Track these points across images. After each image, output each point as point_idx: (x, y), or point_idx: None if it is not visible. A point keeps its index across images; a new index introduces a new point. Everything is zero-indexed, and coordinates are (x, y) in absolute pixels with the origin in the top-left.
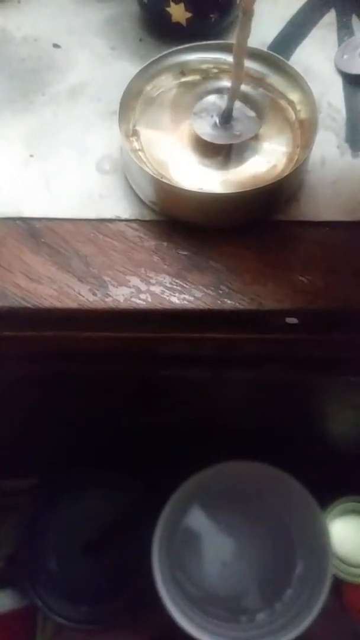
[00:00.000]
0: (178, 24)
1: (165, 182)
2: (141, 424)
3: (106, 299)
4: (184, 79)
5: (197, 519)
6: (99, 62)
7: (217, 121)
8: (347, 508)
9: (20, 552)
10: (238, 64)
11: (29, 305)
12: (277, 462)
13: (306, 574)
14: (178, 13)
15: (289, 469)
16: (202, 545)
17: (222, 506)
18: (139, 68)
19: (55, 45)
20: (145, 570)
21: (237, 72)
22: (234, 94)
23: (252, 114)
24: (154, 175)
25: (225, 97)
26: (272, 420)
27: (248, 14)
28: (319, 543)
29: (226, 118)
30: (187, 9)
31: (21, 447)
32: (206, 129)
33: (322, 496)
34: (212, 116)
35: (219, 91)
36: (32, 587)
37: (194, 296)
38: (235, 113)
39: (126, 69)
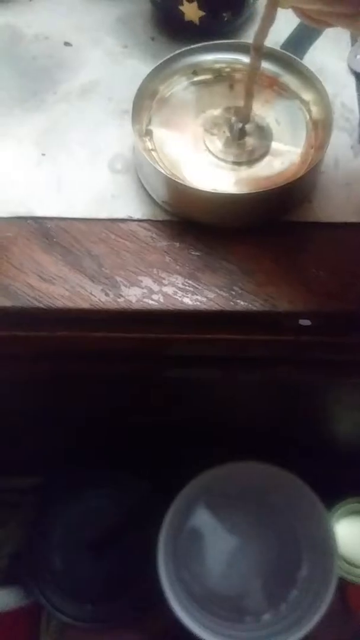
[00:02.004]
0: (191, 22)
1: (178, 182)
2: (148, 423)
3: (118, 300)
4: (196, 79)
5: (203, 519)
6: (110, 60)
7: (229, 137)
8: (352, 509)
9: (25, 551)
10: (249, 93)
11: (41, 305)
12: (282, 462)
13: (312, 575)
14: (191, 12)
15: (294, 469)
16: (207, 545)
17: (227, 506)
18: (151, 67)
19: (67, 44)
20: (150, 569)
21: (248, 101)
22: (245, 117)
23: (265, 122)
24: (167, 175)
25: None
26: (278, 420)
27: (259, 50)
28: (325, 544)
29: (240, 135)
30: (200, 8)
31: (27, 445)
32: (218, 145)
33: (327, 497)
34: (223, 132)
35: (230, 93)
36: (37, 585)
37: (207, 297)
38: (249, 123)
39: (138, 67)
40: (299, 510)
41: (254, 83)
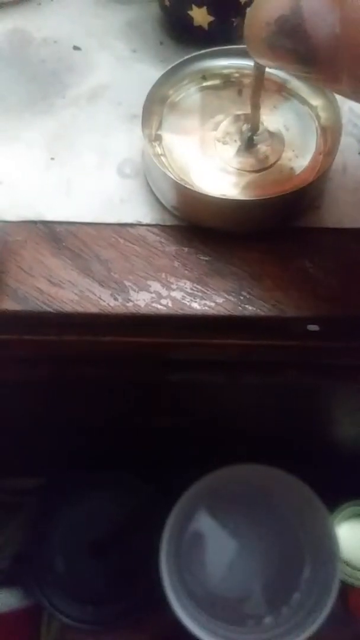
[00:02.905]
0: (200, 27)
1: (187, 187)
2: (151, 426)
3: (127, 304)
4: (205, 84)
5: (205, 522)
6: (119, 64)
7: (241, 146)
8: (353, 512)
9: (26, 552)
10: (255, 106)
11: (50, 309)
12: (285, 465)
13: (314, 578)
14: (200, 17)
15: (296, 472)
16: (209, 547)
17: (229, 509)
18: (160, 71)
19: (76, 47)
20: (152, 571)
21: (254, 112)
22: (254, 126)
23: (276, 129)
24: (176, 180)
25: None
26: (281, 423)
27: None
28: (327, 547)
29: (250, 143)
30: (209, 13)
31: (30, 446)
32: (231, 155)
33: (329, 500)
34: (235, 140)
35: (239, 99)
36: (38, 586)
37: (215, 302)
38: (260, 130)
39: (147, 72)
40: (302, 513)
41: (259, 97)
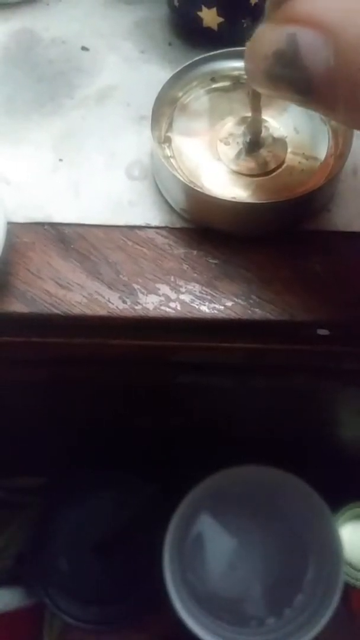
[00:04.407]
0: (209, 28)
1: (197, 190)
2: (156, 427)
3: (136, 307)
4: (214, 85)
5: (208, 522)
6: (127, 65)
7: (242, 148)
8: (356, 513)
9: (30, 551)
10: (255, 110)
11: (58, 312)
12: (288, 466)
13: (317, 579)
14: (209, 18)
15: (300, 473)
16: (213, 548)
17: (233, 510)
18: (169, 72)
19: (84, 48)
20: (155, 572)
21: (255, 116)
22: (256, 131)
23: (280, 134)
24: (186, 183)
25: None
26: (286, 426)
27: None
28: (331, 548)
29: (252, 146)
30: (219, 14)
31: (35, 446)
32: (232, 157)
33: (332, 501)
34: (238, 142)
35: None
36: (41, 586)
37: (224, 305)
38: (263, 134)
39: (155, 73)
40: (305, 514)
41: (258, 99)
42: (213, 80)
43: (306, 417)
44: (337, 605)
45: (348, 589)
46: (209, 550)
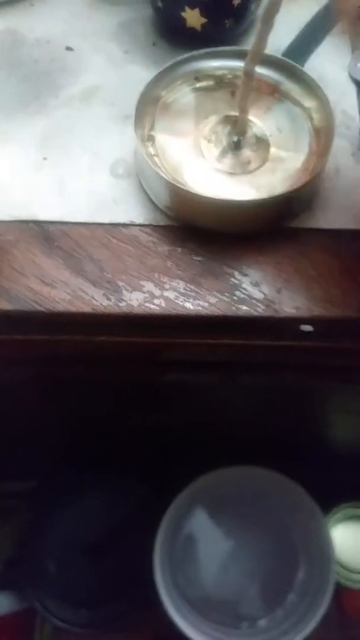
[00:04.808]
0: (193, 29)
1: (180, 188)
2: (145, 427)
3: (120, 304)
4: (198, 85)
5: (199, 524)
6: (112, 65)
7: (227, 146)
8: (348, 514)
9: (20, 555)
10: (243, 110)
11: (42, 309)
12: (279, 467)
13: (308, 579)
14: (193, 18)
15: (291, 474)
16: (203, 549)
17: (224, 511)
18: (153, 72)
19: (68, 48)
20: (147, 574)
21: (242, 116)
22: (241, 130)
23: (263, 133)
24: (169, 180)
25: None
26: (276, 425)
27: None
28: (322, 548)
29: (235, 146)
30: (202, 15)
31: (23, 448)
32: (216, 155)
33: (323, 502)
34: (221, 141)
35: (231, 100)
36: (32, 589)
37: (208, 302)
38: (247, 135)
39: (139, 73)
40: (296, 515)
41: (247, 101)
42: (197, 79)
43: (296, 416)
44: (328, 604)
45: (340, 589)
46: (200, 551)
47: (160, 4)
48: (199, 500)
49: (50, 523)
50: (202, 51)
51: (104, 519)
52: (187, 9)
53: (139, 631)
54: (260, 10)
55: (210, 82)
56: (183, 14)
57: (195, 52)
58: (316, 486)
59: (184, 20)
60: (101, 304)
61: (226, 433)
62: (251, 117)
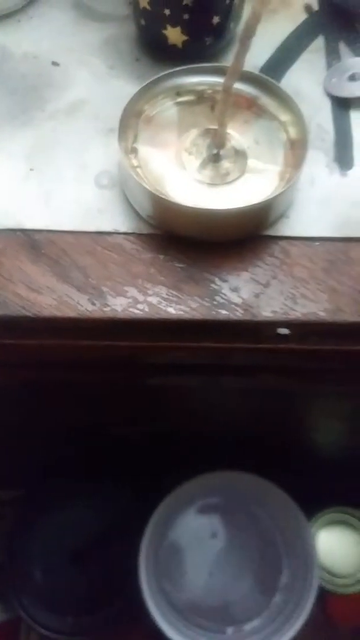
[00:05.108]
0: (174, 46)
1: (162, 197)
2: (129, 433)
3: (104, 309)
4: (179, 99)
5: (184, 529)
6: (97, 80)
7: (207, 158)
8: (332, 519)
9: (4, 563)
10: (221, 124)
11: (29, 314)
12: (263, 472)
13: (292, 582)
14: (174, 36)
15: (274, 479)
16: (189, 555)
17: (208, 516)
18: (136, 87)
19: (55, 63)
20: (132, 581)
21: (221, 130)
22: (220, 143)
23: (241, 146)
24: (152, 191)
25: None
26: (259, 430)
27: (229, 91)
28: (305, 551)
29: (214, 158)
30: (183, 32)
31: (8, 456)
32: (196, 167)
33: (307, 507)
34: (201, 153)
35: (211, 114)
36: (16, 598)
37: (190, 307)
38: (225, 147)
39: (123, 88)
40: (280, 519)
41: (226, 115)
42: (178, 94)
43: (279, 421)
44: (312, 606)
45: (324, 593)
46: (185, 557)
47: (143, 22)
48: (184, 506)
49: (35, 531)
50: (183, 67)
51: (89, 526)
52: (168, 27)
53: (125, 638)
54: (239, 30)
55: (191, 97)
56: (165, 32)
57: (176, 69)
58: (300, 491)
59: (165, 37)
60: (86, 309)
61: (210, 439)
62: (230, 130)
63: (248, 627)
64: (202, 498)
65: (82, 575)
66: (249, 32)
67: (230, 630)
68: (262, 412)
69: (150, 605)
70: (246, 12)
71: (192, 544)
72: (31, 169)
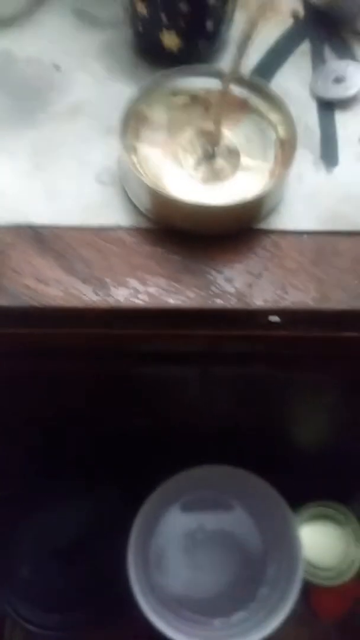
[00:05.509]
0: (170, 50)
1: (160, 192)
2: (117, 430)
3: (107, 299)
4: (175, 100)
5: (171, 524)
6: (96, 83)
7: (202, 156)
8: (316, 512)
9: None
10: (217, 124)
11: (37, 304)
12: (250, 466)
13: (277, 574)
14: (170, 40)
15: (260, 473)
16: (176, 549)
17: (196, 510)
18: (134, 89)
19: (56, 67)
20: (119, 577)
21: (217, 129)
22: (214, 142)
23: (234, 145)
24: (151, 186)
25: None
26: (246, 423)
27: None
28: (290, 544)
29: (209, 156)
30: (178, 37)
31: None
32: (192, 164)
33: (292, 501)
34: (197, 151)
35: (205, 114)
36: (2, 594)
37: (187, 296)
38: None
39: (122, 90)
40: (266, 513)
41: (221, 116)
42: (173, 95)
43: (266, 413)
44: (296, 598)
45: (309, 586)
46: (172, 551)
47: (140, 28)
48: (170, 501)
49: (23, 528)
50: (178, 69)
51: (75, 523)
52: (164, 31)
53: (112, 634)
54: (231, 34)
55: (186, 98)
56: (161, 36)
57: (171, 70)
58: (285, 485)
59: (161, 42)
60: (91, 299)
61: (196, 434)
62: (223, 129)
63: (235, 618)
64: (187, 493)
65: (70, 572)
66: (246, 39)
67: (217, 622)
68: (249, 402)
69: (139, 598)
70: (238, 17)
71: (179, 538)
72: (36, 167)
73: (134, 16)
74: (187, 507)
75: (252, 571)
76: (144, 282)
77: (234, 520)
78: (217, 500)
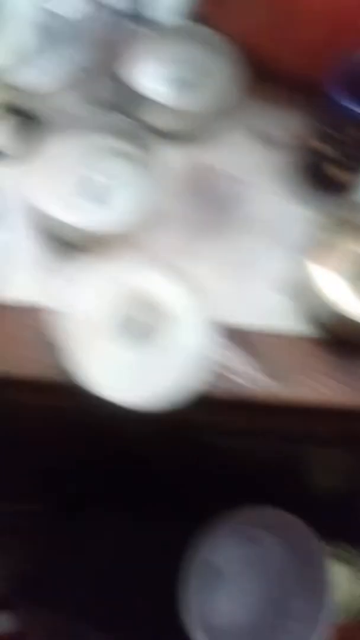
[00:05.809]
0: (335, 180)
1: (340, 313)
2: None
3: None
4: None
5: (226, 556)
6: (274, 200)
7: None
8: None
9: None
10: None
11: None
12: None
13: (307, 607)
14: (336, 172)
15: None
16: (226, 580)
17: (242, 546)
18: (309, 211)
19: (243, 182)
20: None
21: None
22: None
23: None
24: (331, 306)
25: None
26: (267, 471)
27: None
28: (320, 582)
29: None
30: (342, 170)
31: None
32: None
33: None
34: None
35: None
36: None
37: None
38: None
39: (300, 210)
40: (301, 551)
41: None
42: (343, 223)
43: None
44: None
45: None
46: (223, 582)
47: (311, 159)
48: (223, 536)
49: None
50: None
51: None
52: (331, 165)
53: None
54: None
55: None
56: (327, 168)
57: (343, 202)
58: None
59: (327, 172)
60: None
61: (217, 475)
62: None
63: None
64: (237, 529)
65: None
66: None
67: None
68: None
69: (193, 629)
70: None
71: (231, 570)
72: (225, 274)
73: (305, 146)
74: (238, 543)
75: (282, 605)
76: (318, 380)
77: (273, 556)
78: (259, 537)
